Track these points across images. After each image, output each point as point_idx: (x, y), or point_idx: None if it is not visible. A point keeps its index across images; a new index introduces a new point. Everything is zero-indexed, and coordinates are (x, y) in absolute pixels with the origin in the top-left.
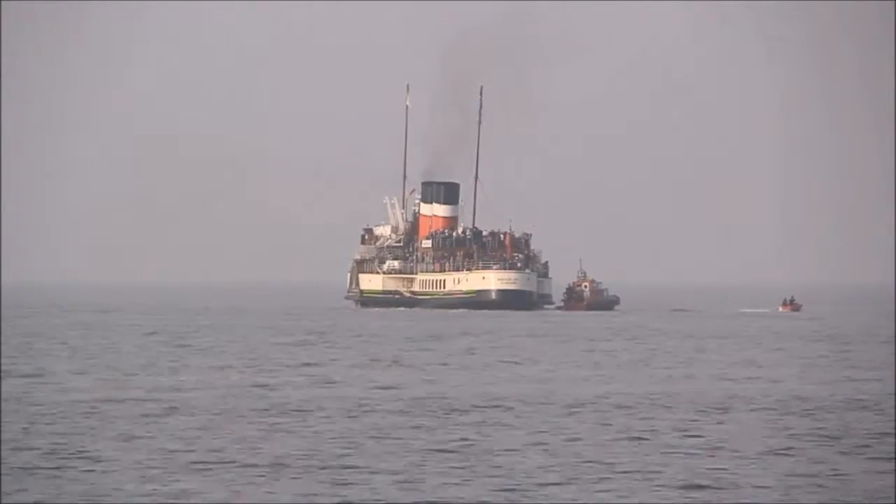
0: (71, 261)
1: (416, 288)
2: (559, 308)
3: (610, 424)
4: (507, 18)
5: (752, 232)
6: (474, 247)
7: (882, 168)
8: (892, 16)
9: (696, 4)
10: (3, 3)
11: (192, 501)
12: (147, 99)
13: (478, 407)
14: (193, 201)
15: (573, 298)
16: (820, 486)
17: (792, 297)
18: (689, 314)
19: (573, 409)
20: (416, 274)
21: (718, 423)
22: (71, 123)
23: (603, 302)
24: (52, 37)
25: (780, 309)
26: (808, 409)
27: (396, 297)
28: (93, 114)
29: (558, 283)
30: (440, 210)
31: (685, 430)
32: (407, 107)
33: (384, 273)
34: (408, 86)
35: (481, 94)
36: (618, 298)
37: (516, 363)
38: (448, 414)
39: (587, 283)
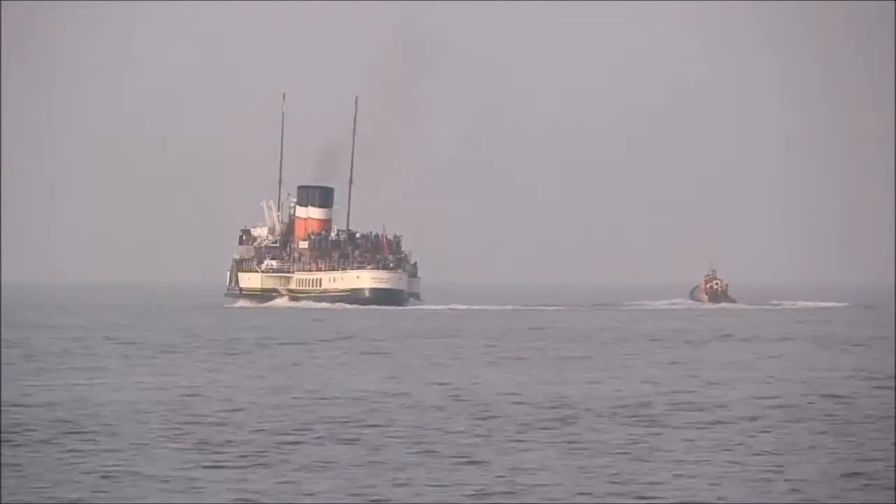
0: (71, 261)
1: (293, 286)
2: None
3: None
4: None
5: (750, 231)
6: (349, 248)
7: (882, 168)
8: (892, 16)
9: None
10: (2, 3)
11: None
12: (147, 99)
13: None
14: (195, 201)
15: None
16: None
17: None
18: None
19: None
20: (293, 273)
21: None
22: (71, 123)
23: None
24: (52, 37)
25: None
26: None
27: (274, 294)
28: (93, 114)
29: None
30: (315, 213)
31: None
32: (283, 113)
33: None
34: (284, 94)
35: (356, 103)
36: None
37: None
38: None
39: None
